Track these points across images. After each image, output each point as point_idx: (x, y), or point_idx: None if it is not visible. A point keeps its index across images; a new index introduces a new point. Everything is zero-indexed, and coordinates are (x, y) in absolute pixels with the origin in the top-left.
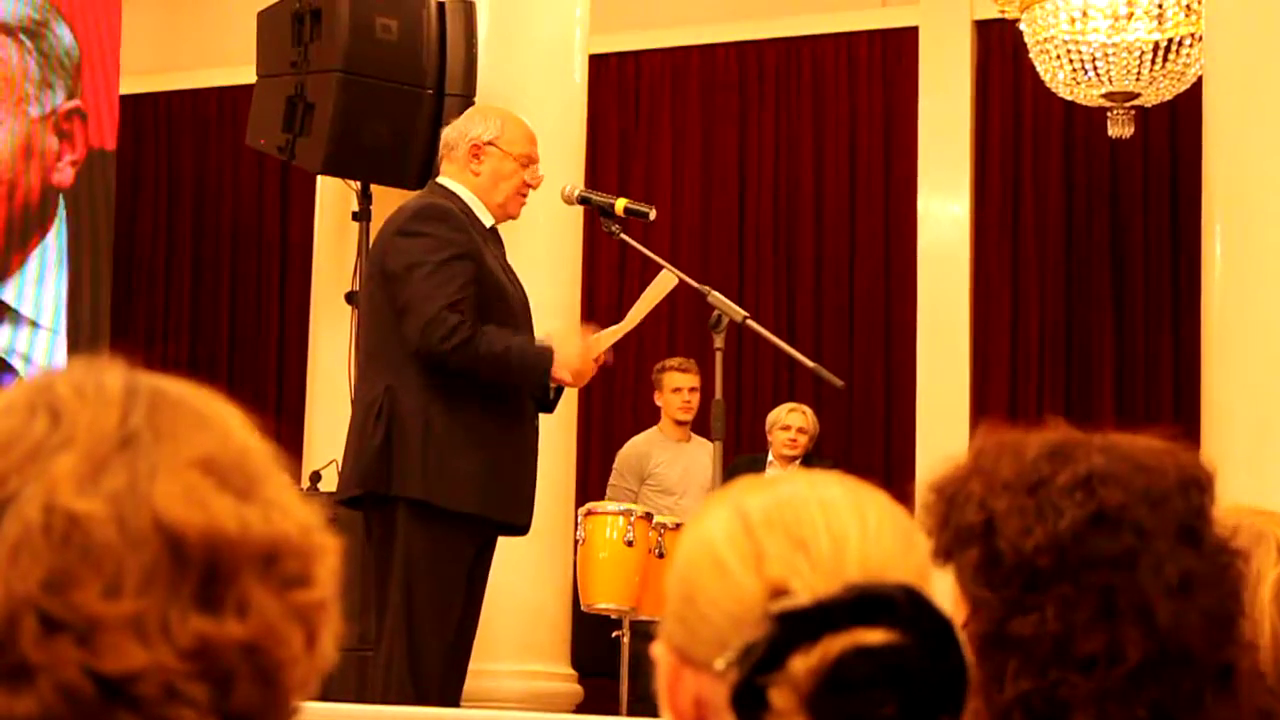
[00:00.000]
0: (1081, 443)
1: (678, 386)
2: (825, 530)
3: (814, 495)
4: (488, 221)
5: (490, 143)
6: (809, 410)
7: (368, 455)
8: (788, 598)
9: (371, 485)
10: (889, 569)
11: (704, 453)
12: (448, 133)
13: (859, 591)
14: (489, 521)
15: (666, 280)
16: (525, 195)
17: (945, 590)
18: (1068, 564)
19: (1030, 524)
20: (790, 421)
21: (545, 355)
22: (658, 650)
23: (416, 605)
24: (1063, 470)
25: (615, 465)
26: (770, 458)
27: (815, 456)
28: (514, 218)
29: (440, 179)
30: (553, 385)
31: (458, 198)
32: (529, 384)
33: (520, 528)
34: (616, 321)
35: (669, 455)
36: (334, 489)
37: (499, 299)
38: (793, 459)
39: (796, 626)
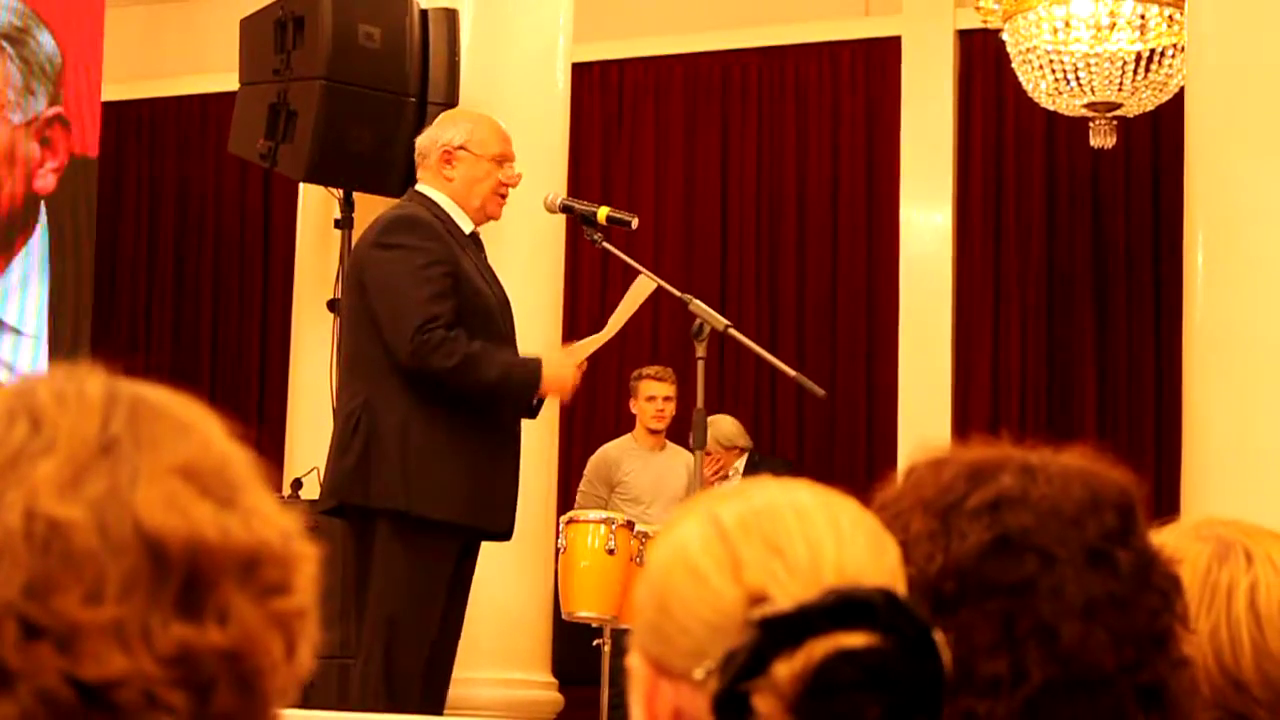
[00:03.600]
0: (1000, 462)
1: (652, 395)
2: (801, 537)
3: (787, 502)
4: (467, 228)
5: (461, 147)
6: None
7: (345, 468)
8: (768, 604)
9: (347, 497)
10: (864, 574)
11: (678, 461)
12: (420, 140)
13: (839, 596)
14: (469, 529)
15: (644, 285)
16: (504, 195)
17: None
18: (968, 589)
19: (935, 549)
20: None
21: (534, 373)
22: (633, 662)
23: (396, 616)
24: (975, 492)
25: (586, 472)
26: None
27: (767, 457)
28: (495, 219)
29: (419, 186)
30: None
31: (436, 205)
32: (518, 404)
33: (501, 534)
34: (598, 330)
35: (639, 464)
36: (316, 497)
37: (476, 306)
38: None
39: (779, 632)
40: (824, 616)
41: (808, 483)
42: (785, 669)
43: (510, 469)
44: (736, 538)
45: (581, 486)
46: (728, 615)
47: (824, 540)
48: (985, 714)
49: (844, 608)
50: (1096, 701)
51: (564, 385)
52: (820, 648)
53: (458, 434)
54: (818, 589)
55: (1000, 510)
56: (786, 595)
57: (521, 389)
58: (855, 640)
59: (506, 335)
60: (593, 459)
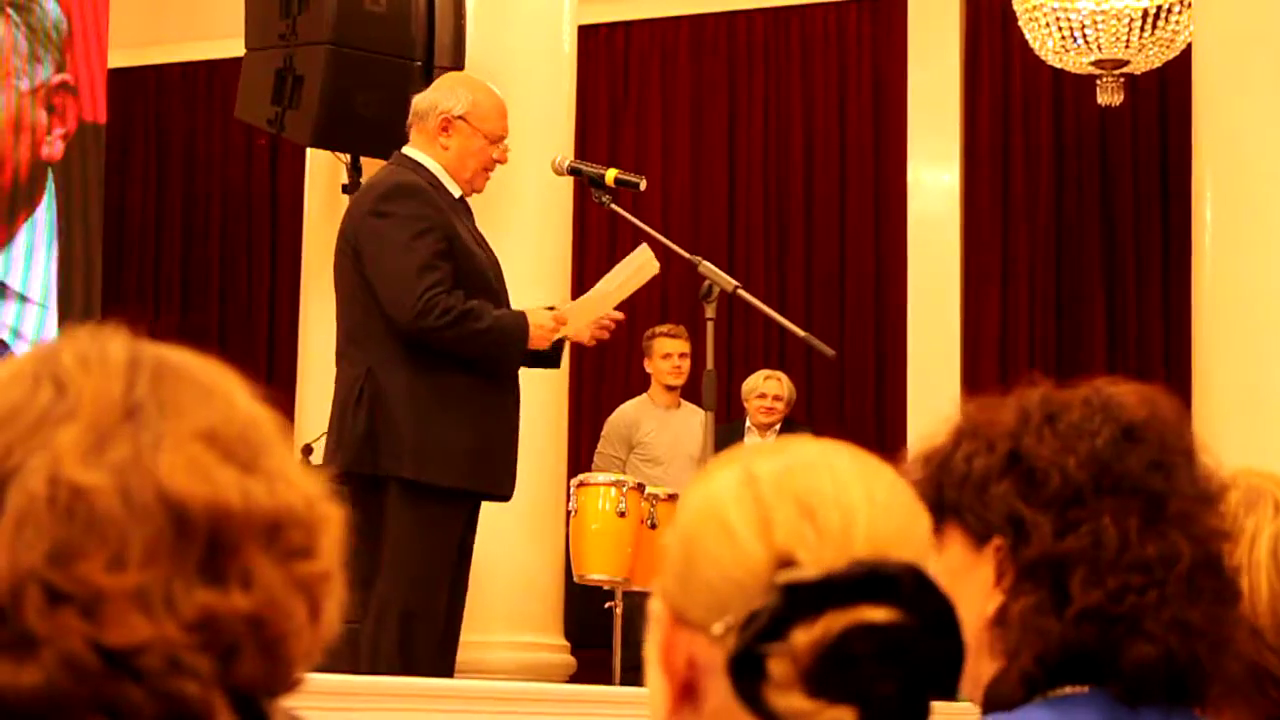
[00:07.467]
0: (1062, 392)
1: (667, 352)
2: (835, 502)
3: (825, 464)
4: (456, 192)
5: (461, 117)
6: (784, 377)
7: (352, 438)
8: (795, 569)
9: (356, 467)
10: (894, 545)
11: (694, 420)
12: (418, 101)
13: (866, 568)
14: (475, 494)
15: (649, 265)
16: (491, 170)
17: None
18: (1110, 477)
19: (1064, 445)
20: (766, 389)
21: (521, 323)
22: (654, 606)
23: (409, 583)
24: (1069, 407)
25: (604, 432)
26: (748, 424)
27: (793, 424)
28: (479, 192)
29: (407, 150)
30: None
31: (426, 170)
32: (511, 355)
33: (502, 496)
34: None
35: (657, 423)
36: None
37: (471, 269)
38: (769, 426)
39: (802, 598)
40: (849, 588)
41: (848, 446)
42: (804, 636)
43: (510, 433)
44: (770, 497)
45: (599, 448)
46: (753, 575)
47: (857, 508)
48: (1145, 597)
49: (870, 580)
50: (1216, 587)
51: (543, 337)
52: (841, 619)
53: (464, 401)
54: (846, 557)
55: (1111, 409)
56: (815, 560)
57: (512, 335)
58: (877, 614)
59: (502, 298)
60: (611, 420)
